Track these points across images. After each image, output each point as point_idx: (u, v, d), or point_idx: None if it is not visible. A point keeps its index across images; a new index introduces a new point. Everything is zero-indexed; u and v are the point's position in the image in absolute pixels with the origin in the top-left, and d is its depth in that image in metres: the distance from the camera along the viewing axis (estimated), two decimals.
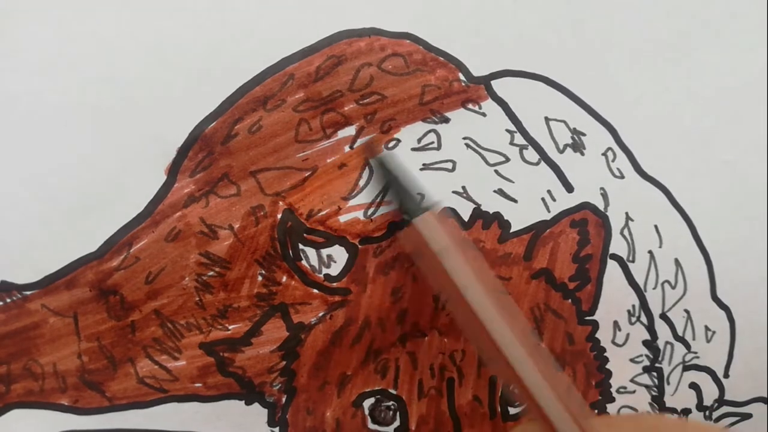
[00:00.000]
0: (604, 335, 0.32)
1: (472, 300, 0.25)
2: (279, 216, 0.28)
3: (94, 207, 0.27)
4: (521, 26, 0.30)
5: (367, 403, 0.30)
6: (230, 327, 0.28)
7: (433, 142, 0.29)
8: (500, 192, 0.30)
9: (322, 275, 0.29)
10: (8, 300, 0.27)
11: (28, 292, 0.27)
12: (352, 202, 0.29)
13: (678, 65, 0.31)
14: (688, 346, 0.33)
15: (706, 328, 0.33)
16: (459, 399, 0.31)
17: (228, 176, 0.28)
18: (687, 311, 0.33)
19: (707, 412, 0.34)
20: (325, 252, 0.29)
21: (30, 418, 0.28)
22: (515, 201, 0.30)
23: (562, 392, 0.25)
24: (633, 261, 0.32)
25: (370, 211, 0.29)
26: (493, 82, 0.29)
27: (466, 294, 0.25)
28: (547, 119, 0.30)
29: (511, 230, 0.30)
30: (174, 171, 0.27)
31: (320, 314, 0.29)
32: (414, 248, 0.26)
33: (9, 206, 0.26)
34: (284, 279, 0.28)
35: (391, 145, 0.29)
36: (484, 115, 0.30)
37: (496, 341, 0.25)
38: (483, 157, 0.30)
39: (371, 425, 0.30)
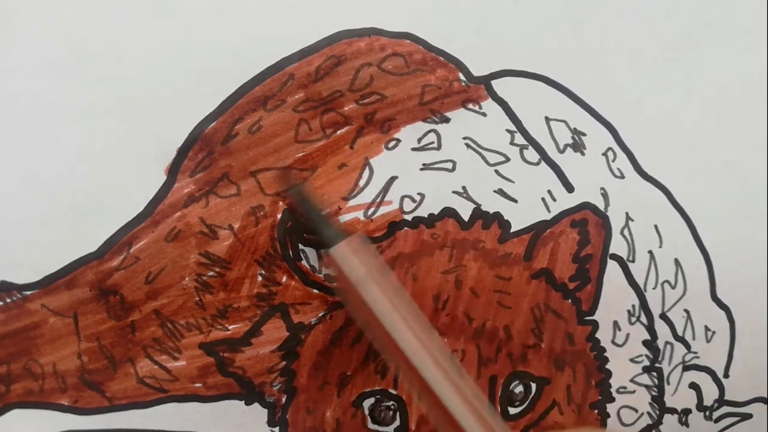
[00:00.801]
0: (604, 335, 0.32)
1: (390, 328, 0.25)
2: (279, 216, 0.28)
3: (94, 207, 0.27)
4: (521, 26, 0.30)
5: (367, 403, 0.30)
6: (230, 327, 0.28)
7: (433, 142, 0.29)
8: (500, 192, 0.30)
9: (322, 275, 0.29)
10: (8, 300, 0.27)
11: (28, 292, 0.27)
12: (351, 202, 0.29)
13: (678, 65, 0.31)
14: (688, 346, 0.33)
15: (706, 328, 0.33)
16: None
17: (228, 176, 0.28)
18: (687, 311, 0.33)
19: (707, 412, 0.34)
20: (325, 252, 0.29)
21: (30, 418, 0.27)
22: (515, 201, 0.30)
23: (482, 415, 0.25)
24: (633, 261, 0.32)
25: (370, 211, 0.29)
26: (493, 82, 0.29)
27: (384, 322, 0.25)
28: (547, 119, 0.30)
29: (512, 230, 0.30)
30: (174, 171, 0.27)
31: (320, 314, 0.29)
32: (333, 276, 0.27)
33: (9, 206, 0.26)
34: (284, 279, 0.28)
35: (390, 145, 0.29)
36: (484, 115, 0.30)
37: (415, 366, 0.25)
38: (483, 157, 0.30)
39: (371, 425, 0.30)
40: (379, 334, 0.25)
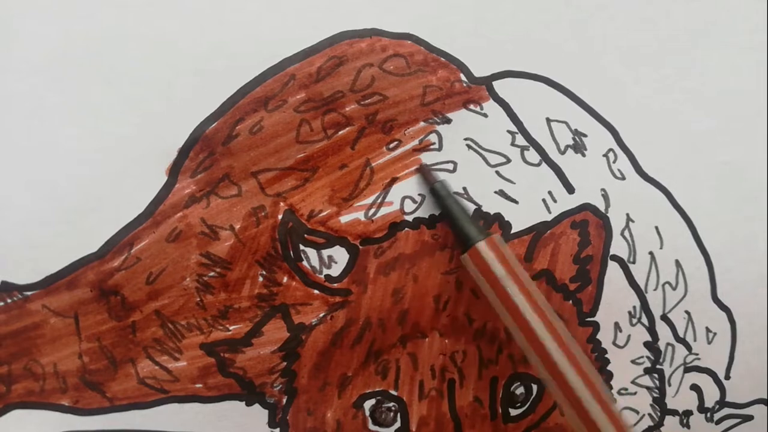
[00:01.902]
0: (605, 336, 0.32)
1: (532, 321, 0.27)
2: (280, 217, 0.28)
3: (95, 207, 0.27)
4: (522, 27, 0.30)
5: (368, 404, 0.30)
6: (231, 327, 0.28)
7: (434, 143, 0.29)
8: (501, 193, 0.30)
9: (322, 276, 0.29)
10: (9, 300, 0.27)
11: (29, 293, 0.27)
12: (353, 203, 0.29)
13: (678, 66, 0.32)
14: (689, 347, 0.33)
15: (707, 330, 0.33)
16: (460, 400, 0.31)
17: (229, 177, 0.28)
18: (688, 312, 0.33)
19: (708, 414, 0.34)
20: (325, 253, 0.29)
21: (30, 419, 0.27)
22: (516, 202, 0.30)
23: (610, 405, 0.27)
24: (634, 262, 0.32)
25: (371, 212, 0.29)
26: (494, 83, 0.30)
27: (526, 315, 0.27)
28: (548, 120, 0.30)
29: (512, 231, 0.30)
30: (175, 171, 0.27)
31: (321, 315, 0.29)
32: (474, 270, 0.28)
33: (10, 207, 0.26)
34: (285, 280, 0.28)
35: (392, 145, 0.29)
36: (485, 115, 0.30)
37: (553, 359, 0.27)
38: (484, 158, 0.30)
39: (372, 426, 0.30)
40: (520, 325, 0.27)
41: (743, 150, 0.32)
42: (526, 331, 0.27)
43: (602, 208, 0.31)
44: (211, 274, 0.28)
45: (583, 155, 0.31)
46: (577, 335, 0.32)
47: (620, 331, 0.32)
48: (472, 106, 0.29)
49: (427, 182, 0.29)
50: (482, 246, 0.27)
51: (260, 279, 0.28)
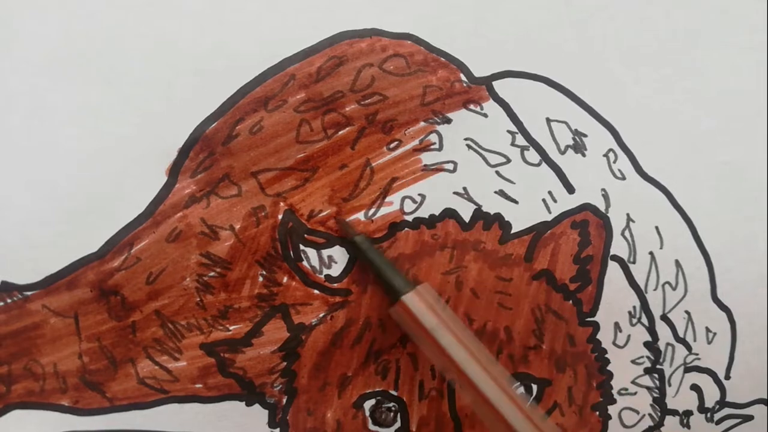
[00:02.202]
0: (605, 336, 0.32)
1: (465, 368, 0.27)
2: (280, 217, 0.28)
3: (95, 207, 0.27)
4: (522, 27, 0.30)
5: (368, 404, 0.30)
6: (231, 327, 0.28)
7: (434, 143, 0.29)
8: (501, 193, 0.30)
9: (322, 276, 0.29)
10: (9, 300, 0.27)
11: (29, 293, 0.27)
12: (352, 203, 0.29)
13: (678, 66, 0.32)
14: (689, 347, 0.33)
15: (707, 330, 0.33)
16: (460, 400, 0.31)
17: (229, 177, 0.28)
18: (688, 312, 0.33)
19: (708, 414, 0.34)
20: (325, 253, 0.29)
21: (30, 419, 0.27)
22: (516, 202, 0.30)
23: None
24: (634, 262, 0.32)
25: (370, 212, 0.29)
26: (494, 83, 0.30)
27: (462, 365, 0.27)
28: (548, 120, 0.30)
29: (512, 231, 0.30)
30: (175, 171, 0.27)
31: (321, 315, 0.29)
32: (405, 323, 0.28)
33: (10, 207, 0.26)
34: (285, 280, 0.28)
35: (392, 145, 0.29)
36: (485, 115, 0.30)
37: (492, 403, 0.27)
38: (484, 158, 0.30)
39: (372, 426, 0.30)
40: (456, 374, 0.27)
41: (743, 150, 0.32)
42: (465, 379, 0.27)
43: (602, 208, 0.31)
44: (211, 274, 0.28)
45: (584, 155, 0.31)
46: (577, 335, 0.32)
47: (620, 331, 0.32)
48: (472, 106, 0.29)
49: (348, 235, 0.28)
50: (409, 298, 0.27)
51: (260, 279, 0.28)
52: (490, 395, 0.27)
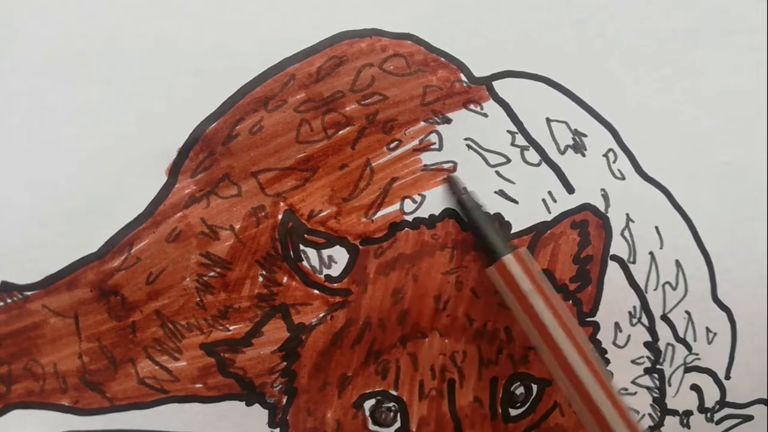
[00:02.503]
0: (605, 336, 0.32)
1: (557, 337, 0.27)
2: (280, 217, 0.28)
3: (95, 207, 0.27)
4: (522, 27, 0.30)
5: (368, 404, 0.30)
6: (231, 327, 0.28)
7: (434, 143, 0.29)
8: (501, 193, 0.30)
9: (322, 276, 0.29)
10: (9, 300, 0.27)
11: (29, 293, 0.27)
12: (353, 203, 0.29)
13: (678, 66, 0.32)
14: (689, 347, 0.33)
15: (707, 330, 0.33)
16: (460, 400, 0.31)
17: (229, 177, 0.28)
18: (688, 312, 0.33)
19: (709, 414, 0.34)
20: (325, 253, 0.29)
21: (30, 419, 0.27)
22: (516, 202, 0.30)
23: (635, 426, 0.28)
24: (634, 262, 0.32)
25: (370, 212, 0.29)
26: (494, 83, 0.30)
27: (551, 331, 0.27)
28: (548, 120, 0.30)
29: (512, 231, 0.30)
30: (175, 171, 0.27)
31: (321, 315, 0.29)
32: (500, 284, 0.28)
33: (10, 207, 0.26)
34: (285, 280, 0.28)
35: (392, 145, 0.29)
36: (485, 115, 0.30)
37: (577, 374, 0.27)
38: (484, 158, 0.30)
39: (372, 426, 0.30)
40: (546, 341, 0.27)
41: (743, 150, 0.32)
42: (552, 347, 0.27)
43: (602, 208, 0.31)
44: (211, 274, 0.28)
45: (583, 155, 0.31)
46: None
47: (620, 331, 0.32)
48: (472, 106, 0.29)
49: (455, 193, 0.29)
50: (509, 260, 0.28)
51: (260, 279, 0.28)
52: (574, 365, 0.27)
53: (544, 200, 0.31)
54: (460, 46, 0.29)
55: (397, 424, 0.30)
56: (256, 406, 0.29)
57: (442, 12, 0.29)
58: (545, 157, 0.30)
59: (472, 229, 0.29)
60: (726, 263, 0.33)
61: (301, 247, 0.28)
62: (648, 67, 0.31)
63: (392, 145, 0.29)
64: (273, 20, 0.27)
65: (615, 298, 0.32)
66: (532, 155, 0.30)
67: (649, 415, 0.33)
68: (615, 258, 0.32)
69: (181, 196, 0.27)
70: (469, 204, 0.29)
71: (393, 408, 0.30)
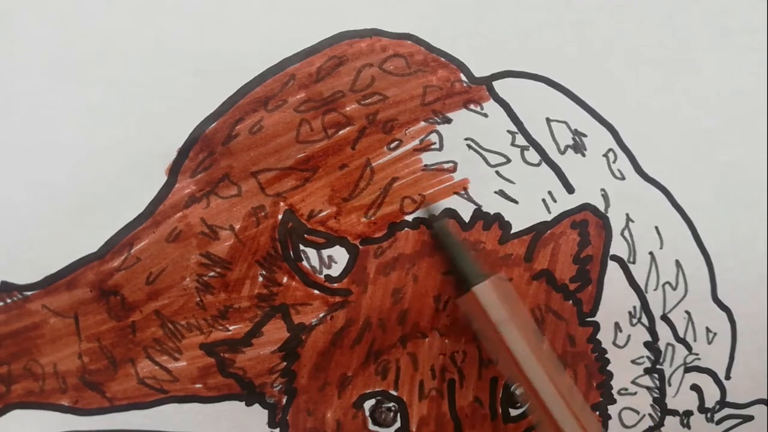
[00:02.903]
0: (605, 336, 0.32)
1: (527, 368, 0.27)
2: (280, 216, 0.28)
3: (94, 207, 0.27)
4: (523, 27, 0.30)
5: (368, 404, 0.30)
6: (231, 328, 0.28)
7: (435, 143, 0.29)
8: (501, 193, 0.30)
9: (322, 276, 0.29)
10: (9, 300, 0.27)
11: (29, 293, 0.27)
12: (352, 203, 0.29)
13: (678, 66, 0.32)
14: (689, 347, 0.33)
15: (707, 330, 0.33)
16: (460, 400, 0.31)
17: (229, 177, 0.28)
18: (688, 312, 0.33)
19: (709, 414, 0.34)
20: (325, 253, 0.29)
21: (30, 419, 0.27)
22: (516, 202, 0.30)
23: None
24: (634, 262, 0.32)
25: (370, 212, 0.29)
26: (494, 83, 0.30)
27: (521, 362, 0.27)
28: (548, 120, 0.30)
29: (512, 231, 0.30)
30: (175, 171, 0.27)
31: (321, 315, 0.29)
32: (471, 313, 0.28)
33: (10, 207, 0.26)
34: (285, 280, 0.28)
35: (392, 145, 0.29)
36: (485, 115, 0.30)
37: (549, 408, 0.27)
38: (484, 158, 0.30)
39: (372, 426, 0.30)
40: (515, 371, 0.27)
41: (743, 150, 0.32)
42: (524, 379, 0.27)
43: (602, 208, 0.31)
44: (211, 274, 0.28)
45: (583, 155, 0.31)
46: (577, 335, 0.32)
47: (620, 331, 0.32)
48: (472, 106, 0.29)
49: (428, 222, 0.29)
50: (479, 289, 0.27)
51: (260, 279, 0.28)
52: (546, 398, 0.27)
53: (544, 200, 0.31)
54: (460, 46, 0.29)
55: (397, 424, 0.30)
56: (256, 406, 0.29)
57: (442, 12, 0.29)
58: (545, 157, 0.30)
59: (447, 258, 0.29)
60: (726, 263, 0.33)
61: (301, 247, 0.28)
62: (648, 67, 0.31)
63: (392, 145, 0.29)
64: (273, 20, 0.27)
65: (615, 298, 0.32)
66: (532, 155, 0.30)
67: (650, 415, 0.33)
68: (615, 258, 0.32)
69: (181, 196, 0.27)
70: (441, 232, 0.28)
71: (393, 408, 0.30)
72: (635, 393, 0.33)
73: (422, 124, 0.29)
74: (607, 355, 0.32)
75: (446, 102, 0.29)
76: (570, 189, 0.31)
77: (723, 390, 0.34)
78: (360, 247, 0.29)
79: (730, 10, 0.32)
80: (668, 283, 0.33)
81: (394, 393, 0.30)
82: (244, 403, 0.29)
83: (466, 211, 0.30)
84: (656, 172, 0.32)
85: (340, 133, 0.28)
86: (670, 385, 0.33)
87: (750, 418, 0.35)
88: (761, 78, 0.32)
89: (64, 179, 0.26)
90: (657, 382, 0.33)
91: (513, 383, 0.27)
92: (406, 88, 0.29)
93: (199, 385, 0.28)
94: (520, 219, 0.30)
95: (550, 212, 0.31)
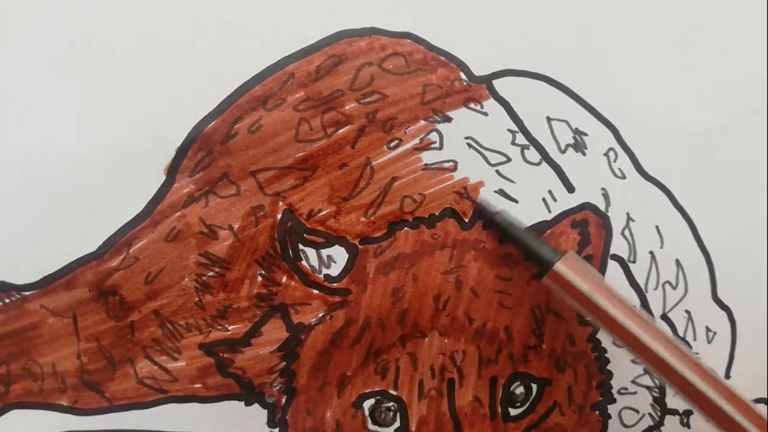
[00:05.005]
0: (605, 336, 0.32)
1: (625, 324, 0.27)
2: (279, 216, 0.28)
3: (93, 207, 0.27)
4: (523, 26, 0.30)
5: (367, 403, 0.30)
6: (230, 327, 0.28)
7: (435, 142, 0.29)
8: (501, 192, 0.30)
9: (322, 276, 0.29)
10: (7, 300, 0.27)
11: (27, 293, 0.27)
12: (352, 203, 0.29)
13: (679, 65, 0.31)
14: (689, 347, 0.33)
15: (707, 329, 0.33)
16: (459, 400, 0.31)
17: (228, 176, 0.28)
18: (688, 312, 0.33)
19: None
20: (325, 252, 0.29)
21: (29, 419, 0.27)
22: (516, 201, 0.30)
23: (719, 382, 0.27)
24: (634, 261, 0.32)
25: (370, 211, 0.29)
26: (494, 82, 0.29)
27: (620, 322, 0.27)
28: (548, 119, 0.30)
29: None
30: (173, 171, 0.27)
31: (320, 315, 0.29)
32: (560, 290, 0.28)
33: (8, 206, 0.26)
34: (284, 279, 0.28)
35: (392, 144, 0.29)
36: (485, 114, 0.29)
37: (658, 353, 0.27)
38: (484, 157, 0.30)
39: (371, 426, 0.30)
40: (618, 332, 0.27)
41: (743, 150, 0.32)
42: (629, 339, 0.27)
43: (602, 207, 0.31)
44: (210, 273, 0.28)
45: (584, 154, 0.31)
46: (577, 334, 0.32)
47: None
48: (472, 105, 0.29)
49: (487, 217, 0.29)
50: (560, 267, 0.28)
51: (259, 279, 0.28)
52: (660, 352, 0.27)
53: (544, 199, 0.31)
54: (460, 45, 0.29)
55: (397, 424, 0.30)
56: (256, 406, 0.29)
57: (442, 11, 0.29)
58: (545, 156, 0.30)
59: (516, 246, 0.29)
60: (726, 263, 0.33)
61: (301, 246, 0.28)
62: (648, 67, 0.31)
63: (392, 144, 0.29)
64: (272, 19, 0.27)
65: None
66: (533, 154, 0.30)
67: (650, 414, 0.33)
68: (615, 257, 0.32)
69: (180, 195, 0.27)
70: (504, 224, 0.29)
71: (392, 408, 0.30)
72: (635, 392, 0.33)
73: (422, 123, 0.29)
74: (607, 355, 0.32)
75: (446, 101, 0.29)
76: (570, 188, 0.31)
77: None
78: (359, 246, 0.29)
79: (730, 10, 0.32)
80: (668, 282, 0.33)
81: (394, 393, 0.30)
82: (243, 402, 0.29)
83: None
84: (657, 172, 0.32)
85: (340, 132, 0.28)
86: None
87: None
88: (761, 77, 0.32)
89: (62, 179, 0.26)
90: (657, 382, 0.33)
91: (621, 342, 0.28)
92: (406, 86, 0.28)
93: (198, 385, 0.28)
94: (520, 218, 0.30)
95: (550, 211, 0.31)
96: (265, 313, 0.28)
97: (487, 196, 0.30)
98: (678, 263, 0.32)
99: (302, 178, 0.28)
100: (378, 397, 0.30)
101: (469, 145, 0.29)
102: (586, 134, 0.31)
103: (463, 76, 0.29)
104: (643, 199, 0.32)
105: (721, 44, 0.32)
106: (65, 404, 0.28)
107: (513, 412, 0.31)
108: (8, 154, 0.26)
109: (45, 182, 0.26)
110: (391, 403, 0.30)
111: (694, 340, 0.33)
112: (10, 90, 0.26)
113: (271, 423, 0.29)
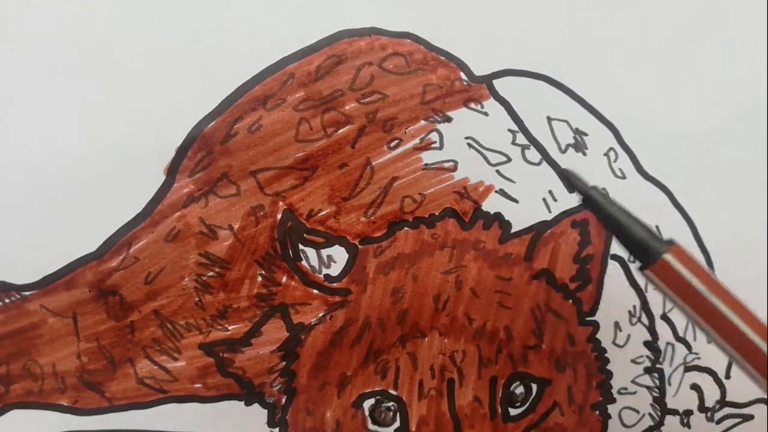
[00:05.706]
0: (605, 336, 0.32)
1: (733, 319, 0.25)
2: (279, 216, 0.28)
3: (93, 207, 0.27)
4: (523, 26, 0.30)
5: (367, 403, 0.30)
6: (230, 327, 0.28)
7: (435, 142, 0.29)
8: (501, 192, 0.30)
9: (322, 275, 0.29)
10: (7, 300, 0.27)
11: (27, 293, 0.27)
12: (352, 202, 0.29)
13: (679, 65, 0.31)
14: (689, 346, 0.33)
15: None
16: (459, 400, 0.31)
17: (227, 176, 0.28)
18: None
19: (709, 414, 0.34)
20: (325, 252, 0.29)
21: (29, 419, 0.27)
22: (516, 201, 0.30)
23: None
24: (634, 262, 0.32)
25: (370, 211, 0.29)
26: (495, 82, 0.29)
27: (727, 315, 0.25)
28: (549, 119, 0.30)
29: (512, 230, 0.30)
30: (173, 171, 0.27)
31: (320, 315, 0.29)
32: (665, 283, 0.25)
33: (8, 206, 0.26)
34: (284, 279, 0.28)
35: (392, 144, 0.29)
36: (486, 114, 0.29)
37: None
38: (485, 157, 0.30)
39: (371, 426, 0.30)
40: (724, 324, 0.25)
41: (743, 150, 0.32)
42: (749, 351, 0.25)
43: None
44: (210, 273, 0.28)
45: (584, 154, 0.31)
46: (576, 334, 0.32)
47: (620, 330, 0.32)
48: (472, 105, 0.29)
49: (579, 191, 0.24)
50: (669, 258, 0.24)
51: (259, 279, 0.28)
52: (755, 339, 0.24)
53: (544, 199, 0.31)
54: (460, 45, 0.29)
55: (397, 424, 0.30)
56: (256, 405, 0.29)
57: (442, 11, 0.29)
58: (546, 156, 0.30)
59: (610, 229, 0.25)
60: (726, 262, 0.33)
61: (301, 246, 0.28)
62: (648, 67, 0.31)
63: (392, 144, 0.29)
64: (272, 19, 0.27)
65: (615, 298, 0.32)
66: (533, 154, 0.30)
67: (650, 414, 0.33)
68: (615, 257, 0.32)
69: (180, 195, 0.27)
70: (601, 200, 0.24)
71: (392, 407, 0.30)
72: (635, 392, 0.33)
73: (422, 122, 0.29)
74: (606, 355, 0.32)
75: (446, 101, 0.29)
76: (571, 188, 0.31)
77: (723, 389, 0.34)
78: (359, 246, 0.29)
79: (730, 10, 0.32)
80: None
81: (394, 392, 0.30)
82: (243, 402, 0.29)
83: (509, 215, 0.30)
84: (657, 172, 0.32)
85: (340, 132, 0.28)
86: (670, 384, 0.33)
87: (750, 417, 0.35)
88: (761, 77, 0.32)
89: (62, 179, 0.26)
90: (657, 382, 0.33)
91: (723, 335, 0.25)
92: (406, 86, 0.28)
93: (198, 385, 0.28)
94: (520, 218, 0.30)
95: (550, 211, 0.31)
96: (265, 313, 0.28)
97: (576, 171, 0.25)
98: None
99: (302, 178, 0.28)
100: (378, 397, 0.30)
101: (470, 145, 0.29)
102: (586, 134, 0.31)
103: (463, 75, 0.29)
104: (644, 199, 0.32)
105: (721, 44, 0.32)
106: (65, 404, 0.28)
107: (513, 412, 0.31)
108: (9, 155, 0.26)
109: (45, 182, 0.26)
110: (391, 403, 0.30)
111: (694, 340, 0.33)
112: (11, 90, 0.26)
113: (271, 423, 0.29)
